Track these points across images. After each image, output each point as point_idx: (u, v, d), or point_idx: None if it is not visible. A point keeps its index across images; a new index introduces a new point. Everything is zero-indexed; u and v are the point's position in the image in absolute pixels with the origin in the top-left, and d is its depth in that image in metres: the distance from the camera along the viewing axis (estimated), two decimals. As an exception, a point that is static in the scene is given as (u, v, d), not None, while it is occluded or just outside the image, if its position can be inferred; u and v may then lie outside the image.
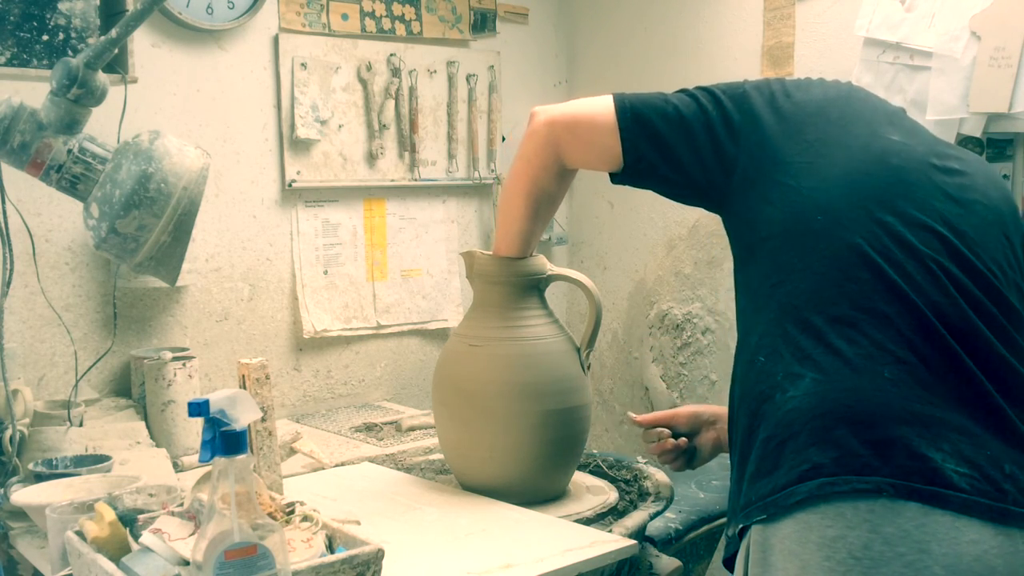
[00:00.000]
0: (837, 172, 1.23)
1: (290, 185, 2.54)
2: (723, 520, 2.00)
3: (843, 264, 1.18)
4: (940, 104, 1.99)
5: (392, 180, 2.72)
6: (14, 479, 1.74)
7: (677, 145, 1.32)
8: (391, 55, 2.68)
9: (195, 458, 2.01)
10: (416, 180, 2.76)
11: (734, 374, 1.30)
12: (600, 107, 1.37)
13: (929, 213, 1.20)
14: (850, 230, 1.19)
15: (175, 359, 2.10)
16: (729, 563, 1.25)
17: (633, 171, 1.38)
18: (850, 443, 1.09)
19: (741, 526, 1.19)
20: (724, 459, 2.22)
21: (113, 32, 1.63)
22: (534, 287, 1.69)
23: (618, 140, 1.35)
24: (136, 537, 1.26)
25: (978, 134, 1.94)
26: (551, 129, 1.44)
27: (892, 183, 1.22)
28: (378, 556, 1.22)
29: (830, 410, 1.12)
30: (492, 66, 2.88)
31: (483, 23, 2.87)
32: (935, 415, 1.10)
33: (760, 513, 1.14)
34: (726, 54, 2.60)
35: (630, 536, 1.51)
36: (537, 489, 1.68)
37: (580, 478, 1.80)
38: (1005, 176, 2.00)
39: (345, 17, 2.60)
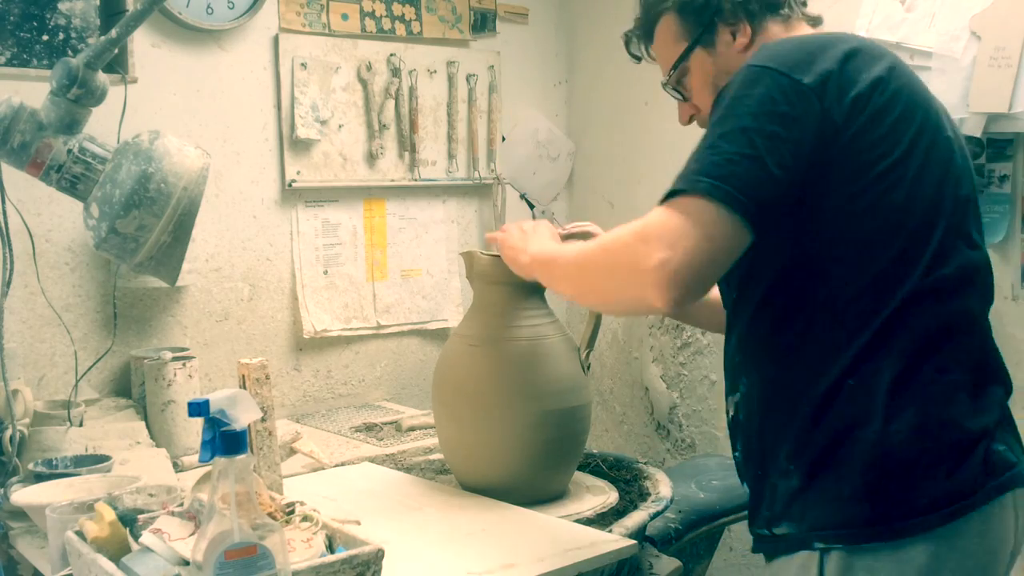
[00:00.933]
0: (922, 186, 1.21)
1: (290, 185, 2.54)
2: (723, 520, 2.01)
3: (927, 292, 1.21)
4: (940, 104, 1.99)
5: (392, 180, 2.72)
6: (14, 479, 1.74)
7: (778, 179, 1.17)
8: (391, 55, 2.68)
9: (195, 458, 2.01)
10: (416, 180, 2.76)
11: (786, 378, 1.25)
12: (714, 232, 1.13)
13: (976, 229, 1.28)
14: (932, 251, 1.21)
15: (175, 359, 2.10)
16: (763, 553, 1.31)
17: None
18: (960, 471, 1.18)
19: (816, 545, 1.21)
20: (724, 459, 2.23)
21: (113, 32, 1.63)
22: (534, 287, 1.69)
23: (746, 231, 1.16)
24: (136, 537, 1.25)
25: (978, 134, 1.93)
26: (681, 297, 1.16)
27: (961, 203, 1.26)
28: (378, 556, 1.21)
29: (935, 442, 1.19)
30: (492, 66, 2.88)
31: (483, 23, 2.87)
32: (991, 420, 1.24)
33: (866, 539, 1.18)
34: (726, 54, 2.60)
35: (630, 536, 1.51)
36: (537, 489, 1.68)
37: (580, 478, 1.80)
38: (1005, 176, 2.00)
39: (345, 17, 2.60)
